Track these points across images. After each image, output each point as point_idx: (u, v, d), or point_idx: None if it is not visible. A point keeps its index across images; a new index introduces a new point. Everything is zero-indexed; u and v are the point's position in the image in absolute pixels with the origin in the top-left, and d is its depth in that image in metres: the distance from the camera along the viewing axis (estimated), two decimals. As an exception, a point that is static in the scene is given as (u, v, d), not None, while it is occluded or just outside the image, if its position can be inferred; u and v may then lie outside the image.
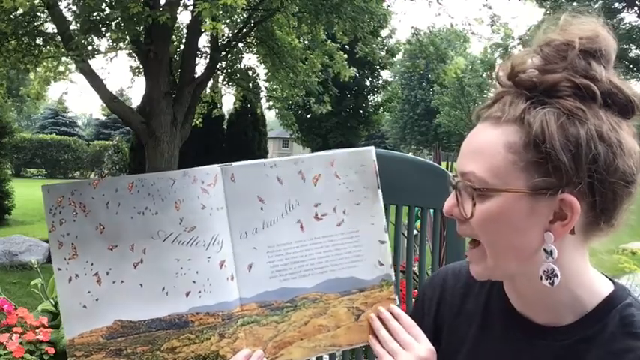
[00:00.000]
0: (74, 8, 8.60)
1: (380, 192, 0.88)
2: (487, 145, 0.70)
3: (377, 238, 0.88)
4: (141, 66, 9.82)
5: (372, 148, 0.89)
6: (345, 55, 10.85)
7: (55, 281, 0.81)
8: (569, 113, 0.66)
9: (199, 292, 0.82)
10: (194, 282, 0.82)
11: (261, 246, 0.85)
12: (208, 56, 10.16)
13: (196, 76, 9.65)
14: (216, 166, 0.85)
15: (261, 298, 0.84)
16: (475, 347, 0.82)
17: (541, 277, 0.69)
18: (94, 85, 8.76)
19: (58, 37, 8.62)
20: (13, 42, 8.74)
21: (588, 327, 0.72)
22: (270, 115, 18.36)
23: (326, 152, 0.88)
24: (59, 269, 0.82)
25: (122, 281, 0.81)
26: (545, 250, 0.69)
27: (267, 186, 0.85)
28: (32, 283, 2.81)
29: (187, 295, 0.82)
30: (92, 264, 0.81)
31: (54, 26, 8.71)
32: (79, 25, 8.26)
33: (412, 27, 11.55)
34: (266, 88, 12.32)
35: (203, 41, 10.39)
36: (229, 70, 11.00)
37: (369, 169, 0.88)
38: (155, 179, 0.82)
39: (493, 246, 0.71)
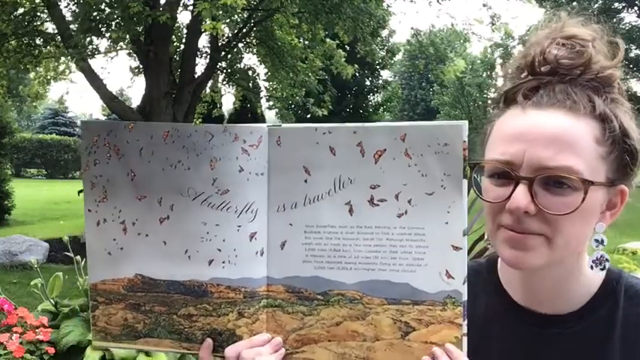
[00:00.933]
0: (74, 8, 8.60)
1: (465, 183, 0.69)
2: (579, 138, 0.68)
3: (449, 242, 0.69)
4: (141, 66, 9.82)
5: (464, 123, 0.70)
6: (344, 54, 10.85)
7: (85, 223, 0.80)
8: (631, 108, 0.72)
9: (223, 262, 0.75)
10: (219, 250, 0.75)
11: (298, 223, 0.74)
12: (208, 56, 10.16)
13: (196, 76, 9.65)
14: (263, 125, 0.75)
15: (290, 282, 0.74)
16: (482, 348, 0.80)
17: (592, 267, 0.72)
18: (94, 85, 8.76)
19: (58, 37, 8.62)
20: (13, 42, 8.74)
21: (601, 307, 0.75)
22: (270, 115, 18.34)
23: (398, 123, 0.72)
24: (89, 210, 0.79)
25: (147, 235, 0.77)
26: (596, 239, 0.71)
27: (316, 155, 0.72)
28: (32, 283, 2.80)
29: (210, 263, 0.75)
30: (120, 211, 0.78)
31: (54, 26, 8.71)
32: (78, 24, 8.27)
33: (412, 27, 11.57)
34: (266, 88, 12.33)
35: (203, 41, 10.41)
36: (229, 70, 11.00)
37: (456, 151, 0.68)
38: (192, 131, 0.75)
39: (567, 239, 0.70)
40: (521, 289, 0.79)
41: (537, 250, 0.69)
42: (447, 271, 0.70)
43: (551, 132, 0.67)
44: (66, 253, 3.09)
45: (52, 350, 2.32)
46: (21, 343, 2.23)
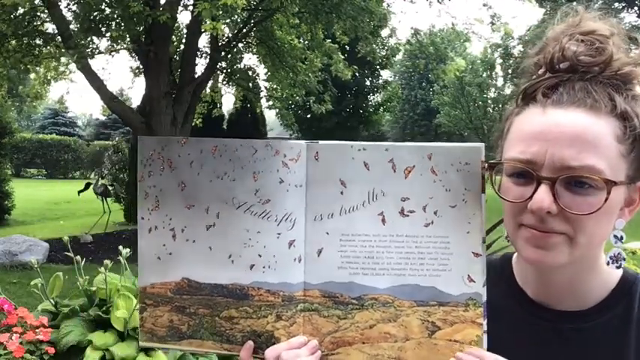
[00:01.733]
0: (74, 8, 8.60)
1: (484, 197, 0.76)
2: (601, 137, 0.67)
3: (470, 249, 0.76)
4: (141, 66, 9.83)
5: (482, 145, 0.76)
6: (344, 55, 10.85)
7: (138, 230, 0.86)
8: None
9: (264, 267, 0.81)
10: (260, 256, 0.81)
11: (334, 232, 0.79)
12: (208, 56, 10.17)
13: (196, 76, 9.66)
14: (302, 141, 0.81)
15: (326, 287, 0.80)
16: (501, 344, 0.79)
17: (608, 263, 0.73)
18: (94, 85, 8.76)
19: (58, 37, 8.62)
20: (13, 42, 8.74)
21: (617, 304, 0.75)
22: (270, 115, 18.36)
23: (425, 143, 0.79)
24: (142, 218, 0.85)
25: (194, 241, 0.83)
26: (615, 236, 0.72)
27: (351, 169, 0.79)
28: (32, 283, 2.80)
29: (251, 267, 0.82)
30: (170, 219, 0.84)
31: (54, 26, 8.71)
32: (78, 24, 8.27)
33: (412, 27, 11.57)
34: (266, 88, 12.34)
35: (203, 41, 10.42)
36: (229, 70, 11.01)
37: (475, 169, 0.75)
38: (238, 145, 0.82)
39: (586, 239, 0.70)
40: (537, 286, 0.79)
41: (560, 249, 0.70)
42: (468, 275, 0.76)
43: (573, 131, 0.67)
44: (66, 253, 3.09)
45: (52, 350, 2.32)
46: (21, 343, 2.23)
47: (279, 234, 0.81)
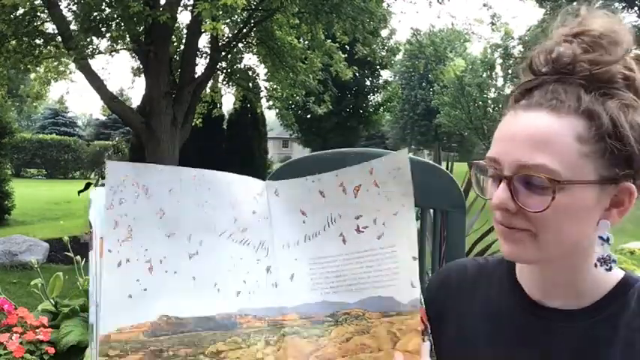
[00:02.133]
0: (74, 8, 8.60)
1: (413, 199, 0.80)
2: (555, 136, 0.68)
3: (411, 254, 0.79)
4: (141, 66, 9.83)
5: (406, 149, 0.82)
6: (344, 55, 10.85)
7: (102, 266, 0.75)
8: (629, 105, 0.70)
9: (249, 292, 0.80)
10: (244, 282, 0.81)
11: (302, 258, 0.83)
12: (208, 56, 10.17)
13: (196, 76, 9.66)
14: (262, 181, 0.86)
15: (302, 309, 0.82)
16: (494, 341, 0.82)
17: (596, 265, 0.72)
18: (94, 85, 8.76)
19: (58, 37, 8.62)
20: (13, 42, 8.74)
21: (609, 306, 0.75)
22: (270, 115, 18.36)
23: (366, 162, 0.83)
24: (109, 251, 0.76)
25: (175, 272, 0.77)
26: (601, 237, 0.71)
27: (309, 200, 0.84)
28: (32, 283, 2.80)
29: (238, 294, 0.80)
30: (146, 250, 0.77)
31: (54, 26, 8.72)
32: (79, 24, 8.27)
33: (412, 28, 11.57)
34: (266, 88, 12.34)
35: (203, 41, 10.41)
36: (229, 70, 11.01)
37: (404, 171, 0.80)
38: (215, 177, 0.83)
39: (552, 237, 0.71)
40: (533, 284, 0.80)
41: (525, 244, 0.72)
42: (411, 281, 0.79)
43: (529, 131, 0.70)
44: (66, 253, 3.09)
45: (52, 350, 2.32)
46: (21, 343, 2.23)
47: (258, 260, 0.82)
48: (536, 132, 0.69)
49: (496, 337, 0.82)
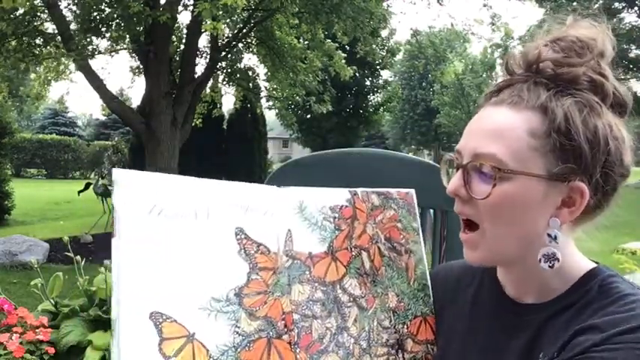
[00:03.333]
0: (74, 8, 8.61)
1: None
2: (508, 128, 0.71)
3: None
4: (141, 66, 9.83)
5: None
6: (345, 55, 10.86)
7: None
8: (590, 106, 0.71)
9: None
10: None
11: None
12: (208, 56, 10.17)
13: (196, 76, 9.66)
14: None
15: None
16: (468, 338, 0.84)
17: (540, 260, 0.73)
18: (94, 85, 8.76)
19: (58, 37, 8.62)
20: (13, 42, 8.74)
21: (570, 296, 0.75)
22: (270, 115, 18.36)
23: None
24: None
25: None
26: (549, 234, 0.72)
27: None
28: (32, 283, 2.79)
29: None
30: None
31: (54, 26, 8.72)
32: (79, 24, 8.27)
33: (411, 28, 11.58)
34: (266, 88, 12.34)
35: (203, 41, 10.42)
36: (229, 70, 11.01)
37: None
38: None
39: (497, 229, 0.73)
40: (507, 282, 0.82)
41: (476, 246, 0.76)
42: None
43: (484, 123, 0.75)
44: (66, 253, 3.09)
45: (52, 350, 2.32)
46: (21, 343, 2.23)
47: None
48: (492, 124, 0.73)
49: (476, 335, 0.83)
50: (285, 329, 0.78)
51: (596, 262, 0.79)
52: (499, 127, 0.72)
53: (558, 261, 0.72)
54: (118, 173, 0.75)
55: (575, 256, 0.78)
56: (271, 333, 0.77)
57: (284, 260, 0.81)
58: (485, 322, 0.83)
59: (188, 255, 0.74)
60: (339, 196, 0.89)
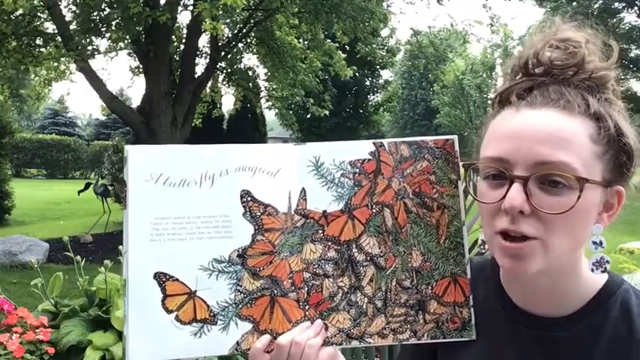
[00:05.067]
0: (74, 8, 8.60)
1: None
2: (574, 135, 0.67)
3: None
4: (141, 66, 9.82)
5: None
6: (344, 55, 10.85)
7: None
8: (624, 110, 0.72)
9: None
10: None
11: None
12: (208, 56, 10.16)
13: (196, 76, 9.65)
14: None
15: None
16: (479, 346, 0.82)
17: (592, 269, 0.72)
18: (94, 86, 8.76)
19: (58, 37, 8.61)
20: (13, 42, 8.74)
21: (591, 314, 0.73)
22: (270, 115, 18.35)
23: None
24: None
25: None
26: (594, 242, 0.72)
27: None
28: (32, 283, 2.80)
29: None
30: None
31: (54, 26, 8.71)
32: (78, 25, 8.26)
33: (411, 28, 11.56)
34: (266, 88, 12.33)
35: (203, 41, 10.41)
36: (229, 70, 11.00)
37: None
38: None
39: (560, 241, 0.68)
40: (518, 291, 0.79)
41: (533, 257, 0.68)
42: None
43: (546, 129, 0.67)
44: (66, 253, 3.09)
45: (52, 350, 2.32)
46: (21, 343, 2.23)
47: None
48: (554, 130, 0.67)
49: (478, 339, 0.81)
50: (293, 287, 0.81)
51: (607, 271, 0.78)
52: (563, 133, 0.67)
53: (608, 263, 0.72)
54: (127, 149, 0.81)
55: (587, 269, 0.76)
56: (276, 291, 0.80)
57: (296, 219, 0.82)
58: (492, 330, 0.80)
59: (192, 220, 0.80)
60: (362, 149, 0.84)
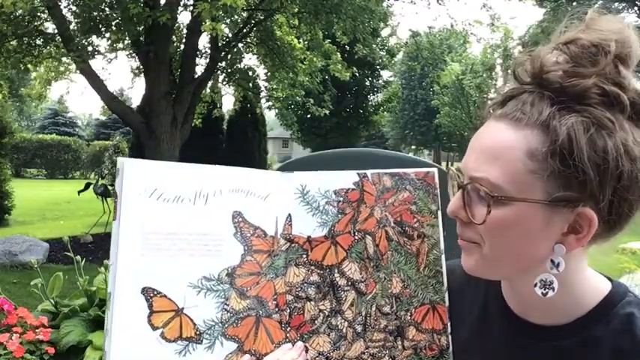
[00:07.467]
0: (74, 8, 8.60)
1: None
2: (506, 150, 0.65)
3: None
4: (141, 66, 9.82)
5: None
6: (344, 55, 10.84)
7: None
8: (599, 124, 0.62)
9: None
10: None
11: None
12: (208, 56, 10.16)
13: (196, 76, 9.65)
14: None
15: None
16: (472, 348, 0.82)
17: (535, 285, 0.68)
18: (95, 86, 8.75)
19: (58, 37, 8.61)
20: (13, 42, 8.74)
21: (590, 326, 0.71)
22: (270, 115, 18.37)
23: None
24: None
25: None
26: (552, 261, 0.67)
27: None
28: (32, 283, 2.80)
29: None
30: None
31: (54, 26, 8.71)
32: (79, 25, 8.26)
33: (410, 29, 11.56)
34: (266, 88, 12.32)
35: (203, 41, 10.40)
36: (229, 70, 10.99)
37: None
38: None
39: (496, 252, 0.69)
40: (509, 296, 0.78)
41: (474, 257, 0.72)
42: None
43: (484, 143, 0.69)
44: (66, 253, 3.09)
45: (52, 350, 2.32)
46: (21, 343, 2.23)
47: None
48: (489, 144, 0.68)
49: (476, 343, 0.81)
50: (277, 309, 0.82)
51: (610, 279, 0.75)
52: (495, 148, 0.66)
53: (553, 290, 0.68)
54: (121, 161, 0.80)
55: (586, 275, 0.73)
56: (261, 312, 0.81)
57: (281, 243, 0.84)
58: (490, 335, 0.79)
59: (184, 236, 0.79)
60: (346, 179, 0.88)
